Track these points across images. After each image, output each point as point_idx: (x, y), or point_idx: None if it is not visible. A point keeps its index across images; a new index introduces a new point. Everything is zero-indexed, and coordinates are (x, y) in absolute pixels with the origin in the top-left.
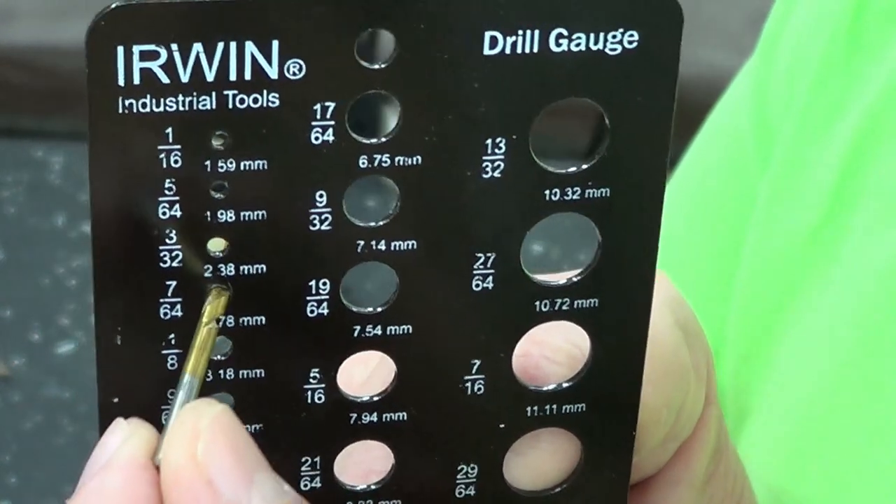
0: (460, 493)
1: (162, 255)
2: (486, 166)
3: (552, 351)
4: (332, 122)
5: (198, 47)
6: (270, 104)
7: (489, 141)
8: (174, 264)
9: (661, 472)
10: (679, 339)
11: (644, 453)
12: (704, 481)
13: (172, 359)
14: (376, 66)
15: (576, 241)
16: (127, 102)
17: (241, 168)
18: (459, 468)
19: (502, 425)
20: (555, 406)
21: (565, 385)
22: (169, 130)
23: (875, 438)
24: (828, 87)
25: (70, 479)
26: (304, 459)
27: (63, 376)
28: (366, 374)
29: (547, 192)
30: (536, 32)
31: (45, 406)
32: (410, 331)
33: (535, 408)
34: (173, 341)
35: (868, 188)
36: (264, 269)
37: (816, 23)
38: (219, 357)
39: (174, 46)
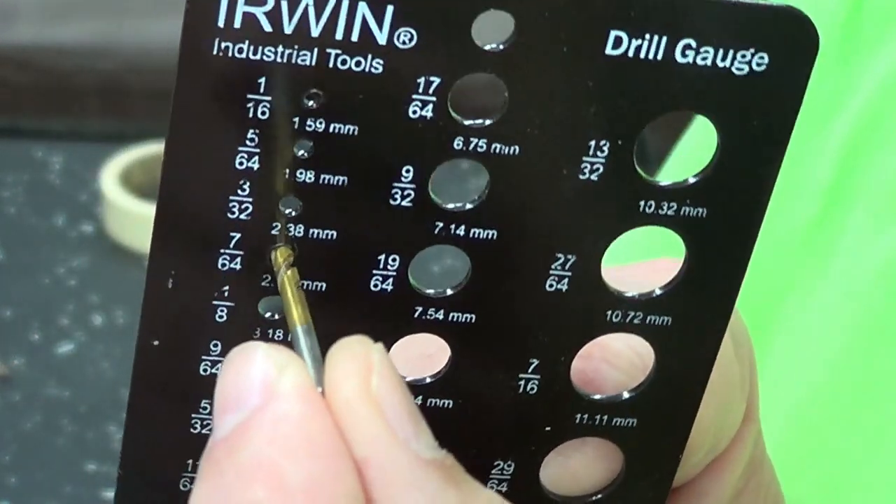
0: (492, 487)
1: (231, 204)
2: (585, 167)
3: (613, 356)
4: (434, 98)
5: (308, 0)
6: (373, 70)
7: (593, 142)
8: (242, 216)
9: (689, 483)
10: (731, 353)
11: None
12: (733, 496)
13: (222, 311)
14: (491, 48)
15: None
16: (223, 45)
17: (330, 130)
18: (496, 464)
19: (548, 428)
20: (606, 417)
21: (622, 397)
22: (262, 80)
23: (871, 439)
24: (824, 83)
25: (70, 479)
26: None
27: (63, 376)
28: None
29: (642, 202)
30: (664, 39)
31: (45, 406)
32: (473, 320)
33: (586, 416)
34: (226, 294)
35: (865, 185)
36: (334, 235)
37: (812, 18)
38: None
39: None
